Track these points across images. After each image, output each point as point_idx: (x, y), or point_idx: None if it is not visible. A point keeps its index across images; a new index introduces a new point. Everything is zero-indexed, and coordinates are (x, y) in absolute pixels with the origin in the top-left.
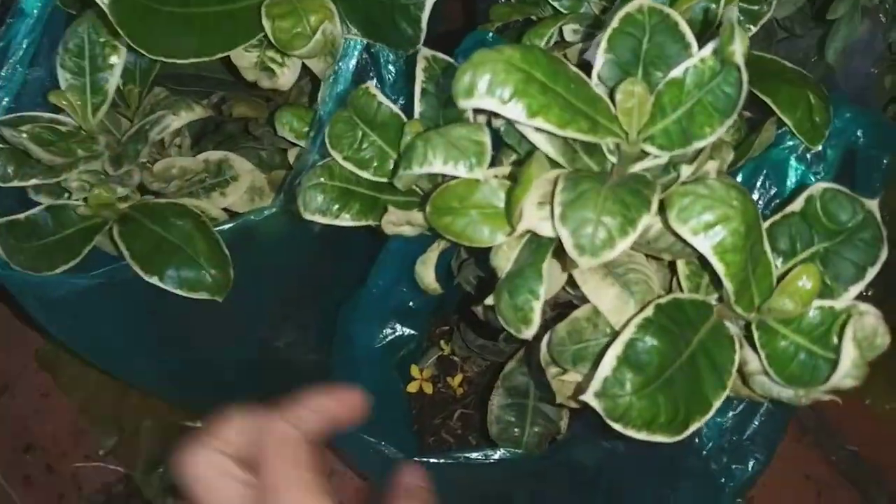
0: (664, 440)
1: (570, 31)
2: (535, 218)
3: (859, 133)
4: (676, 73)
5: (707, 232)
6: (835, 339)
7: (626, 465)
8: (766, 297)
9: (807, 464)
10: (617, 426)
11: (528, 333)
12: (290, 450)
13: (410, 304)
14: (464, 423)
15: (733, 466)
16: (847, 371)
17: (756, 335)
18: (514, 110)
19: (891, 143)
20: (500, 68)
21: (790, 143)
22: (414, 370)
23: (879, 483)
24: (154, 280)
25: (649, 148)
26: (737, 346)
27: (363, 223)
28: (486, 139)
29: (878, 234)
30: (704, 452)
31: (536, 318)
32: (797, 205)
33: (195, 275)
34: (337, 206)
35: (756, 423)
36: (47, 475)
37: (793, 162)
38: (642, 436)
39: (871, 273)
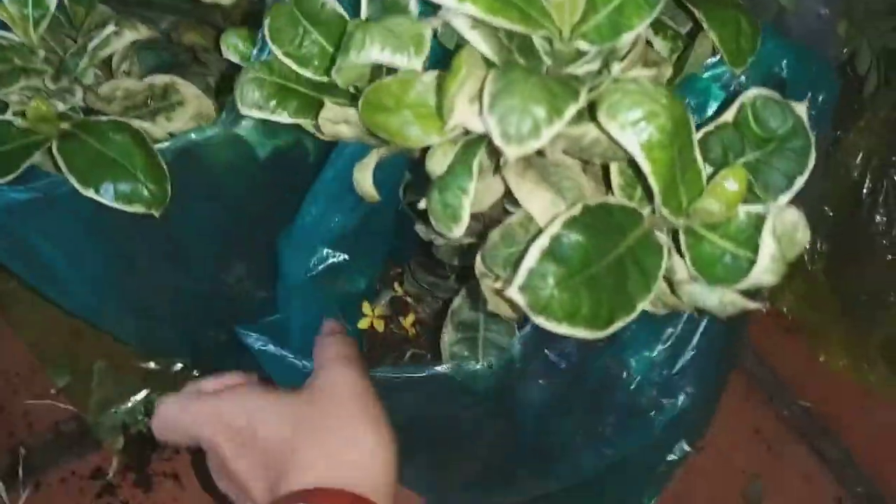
0: (586, 335)
1: None
2: (466, 112)
3: (784, 64)
4: None
5: (635, 127)
6: (759, 243)
7: (558, 394)
8: (694, 202)
9: (757, 419)
10: (539, 319)
11: (458, 231)
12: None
13: (343, 227)
14: (416, 363)
15: (663, 400)
16: (766, 266)
17: (683, 240)
18: None
19: (820, 80)
20: None
21: (716, 70)
22: (366, 307)
23: (830, 438)
24: (90, 193)
25: (581, 43)
26: (665, 253)
27: (300, 121)
28: (426, 32)
29: (806, 142)
30: (633, 386)
31: (465, 216)
32: (729, 114)
33: (132, 188)
34: (274, 102)
35: (687, 357)
36: None
37: (715, 89)
38: (563, 329)
39: (800, 182)
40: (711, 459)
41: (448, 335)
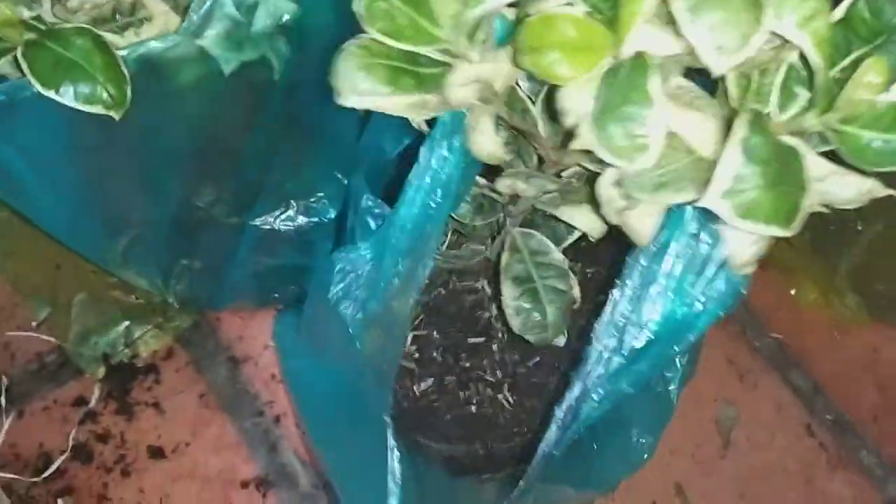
0: (779, 233)
1: None
2: (646, 37)
3: None
4: None
5: (808, 25)
6: None
7: None
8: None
9: (730, 351)
10: (745, 223)
11: (647, 160)
12: None
13: None
14: (419, 345)
15: (666, 374)
16: None
17: (830, 136)
18: None
19: None
20: None
21: None
22: None
23: (801, 368)
24: (51, 94)
25: None
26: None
27: (420, 97)
28: None
29: None
30: None
31: (655, 143)
32: (839, 11)
33: (91, 89)
34: (390, 86)
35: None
36: None
37: None
38: (767, 229)
39: None
40: (686, 388)
41: (508, 291)
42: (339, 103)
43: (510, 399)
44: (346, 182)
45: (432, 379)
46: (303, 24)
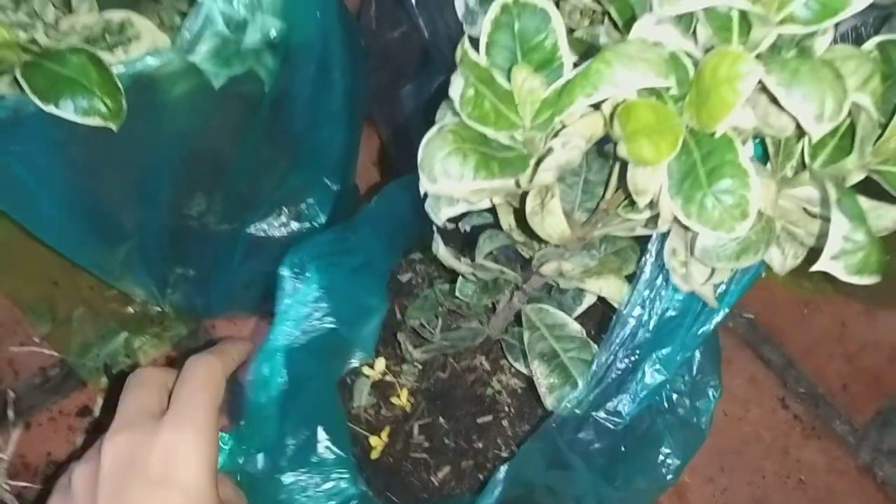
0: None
1: None
2: (738, 114)
3: None
4: None
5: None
6: None
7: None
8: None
9: None
10: (855, 278)
11: (745, 227)
12: (201, 376)
13: None
14: (427, 434)
15: (697, 403)
16: None
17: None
18: None
19: None
20: None
21: None
22: (374, 440)
23: (773, 345)
24: (51, 108)
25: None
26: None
27: (505, 181)
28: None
29: None
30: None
31: (753, 209)
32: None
33: (89, 102)
34: (481, 171)
35: (698, 356)
36: None
37: None
38: (873, 279)
39: None
40: None
41: (539, 370)
42: (427, 189)
43: None
44: (334, 188)
45: (449, 467)
46: (289, 40)
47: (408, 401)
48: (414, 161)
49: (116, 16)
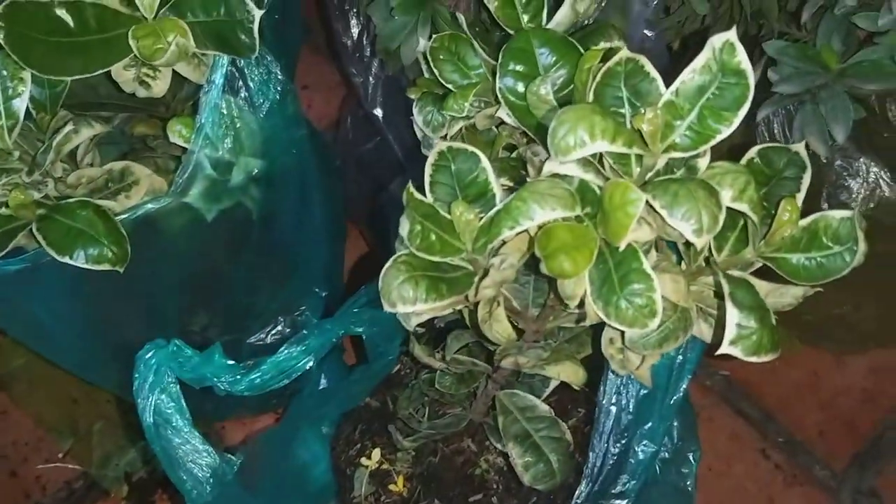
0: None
1: None
2: (637, 233)
3: None
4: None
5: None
6: (824, 240)
7: None
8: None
9: None
10: (753, 358)
11: (654, 323)
12: None
13: None
14: None
15: (682, 469)
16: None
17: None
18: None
19: None
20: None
21: None
22: None
23: (750, 399)
24: (66, 259)
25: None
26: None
27: (454, 300)
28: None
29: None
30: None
31: (660, 307)
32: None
33: (98, 251)
34: (432, 294)
35: (677, 421)
36: (13, 480)
37: None
38: (771, 356)
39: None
40: None
41: (515, 451)
42: (389, 311)
43: None
44: (323, 294)
45: None
46: (271, 173)
47: (404, 486)
48: (389, 256)
49: (117, 165)
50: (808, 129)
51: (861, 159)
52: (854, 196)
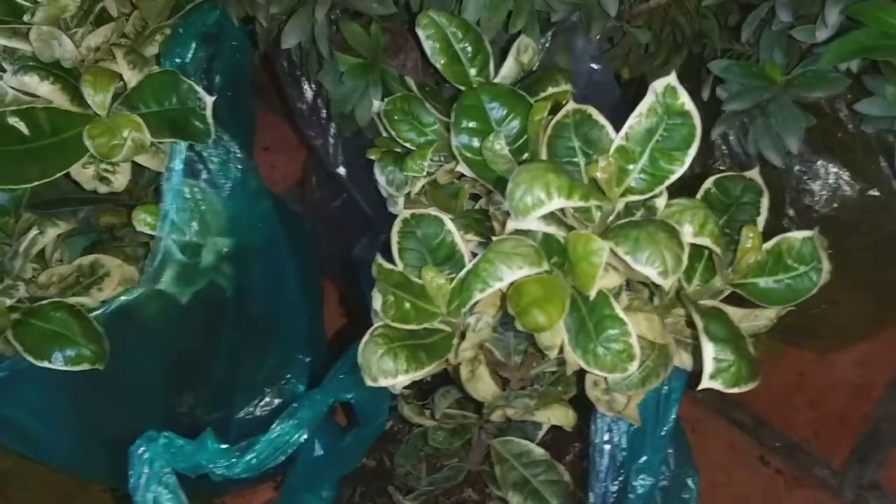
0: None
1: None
2: (605, 279)
3: None
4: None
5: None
6: (789, 261)
7: None
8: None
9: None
10: (734, 389)
11: (634, 366)
12: None
13: None
14: None
15: (683, 495)
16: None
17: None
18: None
19: None
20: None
21: None
22: None
23: (741, 408)
24: (45, 363)
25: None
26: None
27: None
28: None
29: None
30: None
31: (637, 350)
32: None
33: (76, 352)
34: (411, 364)
35: (672, 449)
36: None
37: None
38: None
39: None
40: None
41: (516, 501)
42: (370, 385)
43: None
44: (307, 360)
45: None
46: (240, 249)
47: None
48: (368, 312)
49: (86, 260)
50: (762, 143)
51: (819, 161)
52: (816, 198)
